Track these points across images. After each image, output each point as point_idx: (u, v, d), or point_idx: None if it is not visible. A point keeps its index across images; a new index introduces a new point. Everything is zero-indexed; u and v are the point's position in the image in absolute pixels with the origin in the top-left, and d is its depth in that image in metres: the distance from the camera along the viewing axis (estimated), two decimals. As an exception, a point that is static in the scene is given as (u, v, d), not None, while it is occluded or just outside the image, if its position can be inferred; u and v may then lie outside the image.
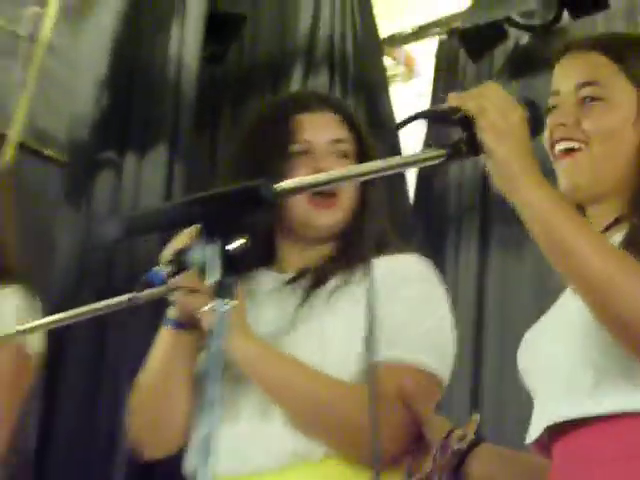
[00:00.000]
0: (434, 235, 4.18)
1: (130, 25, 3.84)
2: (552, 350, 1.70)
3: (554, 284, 1.74)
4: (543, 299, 2.04)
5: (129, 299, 1.86)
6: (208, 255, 1.29)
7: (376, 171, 1.52)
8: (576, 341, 1.65)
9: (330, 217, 1.99)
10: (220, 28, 3.96)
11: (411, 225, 4.23)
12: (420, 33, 4.51)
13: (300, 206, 1.93)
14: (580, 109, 1.72)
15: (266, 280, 2.02)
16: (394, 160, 1.50)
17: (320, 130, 2.00)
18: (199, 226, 1.47)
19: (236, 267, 1.29)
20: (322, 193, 1.94)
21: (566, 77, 1.73)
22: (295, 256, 2.01)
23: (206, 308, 1.43)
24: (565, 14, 3.61)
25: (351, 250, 1.98)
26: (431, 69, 4.47)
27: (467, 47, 3.60)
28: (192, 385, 1.97)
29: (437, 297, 2.00)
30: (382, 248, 1.97)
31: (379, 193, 2.04)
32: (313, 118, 2.02)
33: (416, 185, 4.42)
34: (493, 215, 3.89)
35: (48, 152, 4.16)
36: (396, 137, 4.17)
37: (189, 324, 1.91)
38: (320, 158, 1.98)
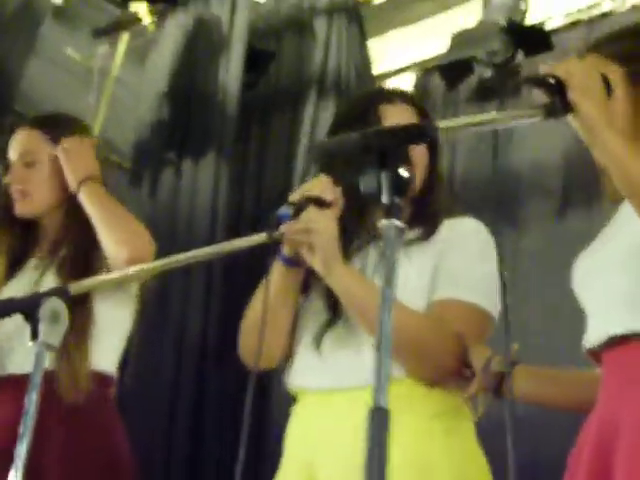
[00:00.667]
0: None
1: (187, 58, 4.54)
2: (611, 268, 1.79)
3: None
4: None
5: (268, 235, 1.95)
6: (382, 178, 1.34)
7: (475, 124, 1.61)
8: (635, 260, 1.74)
9: None
10: (254, 61, 4.65)
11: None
12: (399, 72, 5.22)
13: None
14: None
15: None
16: (498, 114, 1.64)
17: (398, 118, 2.17)
18: (327, 176, 1.94)
19: (405, 191, 1.36)
20: None
21: None
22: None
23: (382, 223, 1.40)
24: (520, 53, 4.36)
25: (424, 213, 2.15)
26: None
27: (444, 79, 4.49)
28: (294, 312, 2.14)
29: (489, 250, 2.14)
30: (448, 212, 2.19)
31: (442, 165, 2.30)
32: (393, 108, 2.21)
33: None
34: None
35: (114, 158, 4.54)
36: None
37: (298, 262, 2.06)
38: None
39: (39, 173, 2.70)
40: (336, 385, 2.08)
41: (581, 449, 1.79)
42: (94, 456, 2.46)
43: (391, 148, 1.35)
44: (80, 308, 2.48)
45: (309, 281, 2.16)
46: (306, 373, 2.16)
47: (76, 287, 1.74)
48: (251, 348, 2.10)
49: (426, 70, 5.17)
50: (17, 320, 2.15)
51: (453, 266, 2.09)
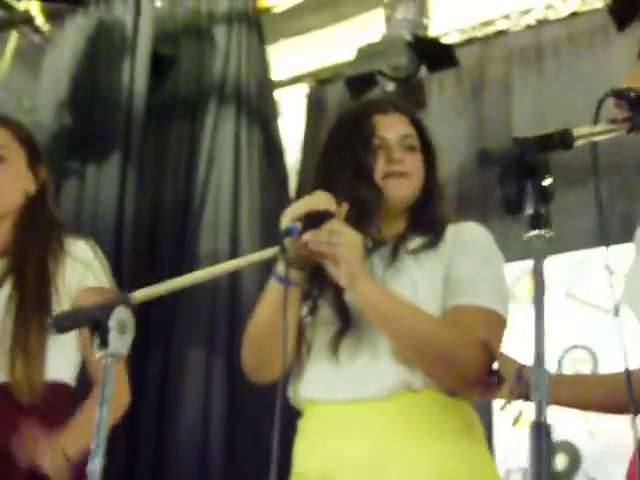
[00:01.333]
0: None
1: (88, 62, 4.44)
2: None
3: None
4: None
5: (278, 251, 1.91)
6: (527, 189, 1.34)
7: (600, 133, 1.60)
8: None
9: (404, 190, 2.14)
10: (155, 67, 4.57)
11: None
12: (292, 81, 5.37)
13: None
14: None
15: None
16: (603, 126, 1.61)
17: (392, 127, 2.18)
18: (328, 194, 1.91)
19: (549, 199, 1.34)
20: (394, 172, 2.12)
21: None
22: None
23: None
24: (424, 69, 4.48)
25: (424, 220, 2.14)
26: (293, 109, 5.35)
27: (350, 90, 4.58)
28: (296, 326, 2.09)
29: (496, 253, 2.15)
30: (448, 218, 2.18)
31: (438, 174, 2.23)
32: (386, 118, 2.20)
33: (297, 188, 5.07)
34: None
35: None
36: (282, 159, 5.05)
37: (293, 281, 2.01)
38: (393, 150, 2.16)
39: (6, 172, 2.64)
40: (354, 396, 2.04)
41: None
42: None
43: (537, 159, 1.36)
44: (39, 317, 2.47)
45: (311, 292, 2.13)
46: (321, 384, 2.10)
47: (140, 296, 1.69)
48: (252, 364, 2.12)
49: (319, 81, 5.31)
50: None
51: (467, 273, 2.07)
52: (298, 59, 5.32)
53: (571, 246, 4.24)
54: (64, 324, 1.67)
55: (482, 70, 4.88)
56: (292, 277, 1.99)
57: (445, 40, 4.80)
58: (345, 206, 1.97)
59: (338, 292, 2.08)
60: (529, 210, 1.33)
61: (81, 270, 2.59)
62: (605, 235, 1.72)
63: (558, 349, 4.20)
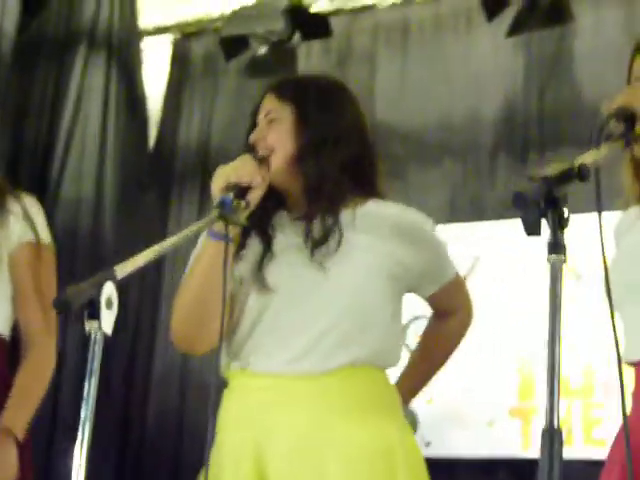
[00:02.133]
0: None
1: None
2: None
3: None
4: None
5: (216, 217, 1.99)
6: (549, 217, 1.48)
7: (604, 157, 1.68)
8: None
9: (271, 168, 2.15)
10: (28, 3, 4.55)
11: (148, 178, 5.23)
12: (157, 31, 5.44)
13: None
14: None
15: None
16: (605, 148, 1.71)
17: (262, 111, 2.24)
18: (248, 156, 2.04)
19: (565, 227, 1.50)
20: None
21: None
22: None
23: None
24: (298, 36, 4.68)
25: (312, 199, 2.16)
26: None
27: (223, 50, 4.72)
28: (230, 292, 2.08)
29: (434, 228, 2.30)
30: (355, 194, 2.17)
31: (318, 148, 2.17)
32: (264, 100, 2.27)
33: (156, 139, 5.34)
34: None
35: None
36: (145, 108, 5.15)
37: (232, 238, 2.04)
38: (259, 128, 2.22)
39: None
40: (290, 370, 2.10)
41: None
42: None
43: (559, 193, 1.49)
44: None
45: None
46: (259, 355, 2.13)
47: (121, 271, 1.76)
48: (185, 334, 2.14)
49: (185, 34, 5.42)
50: None
51: (429, 258, 2.24)
52: (165, 9, 5.42)
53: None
54: (69, 305, 1.71)
55: (349, 41, 5.13)
56: (220, 232, 2.02)
57: (315, 8, 5.00)
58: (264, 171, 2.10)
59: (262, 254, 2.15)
60: (550, 237, 1.48)
61: (21, 225, 2.62)
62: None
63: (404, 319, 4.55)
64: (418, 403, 4.44)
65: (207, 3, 5.29)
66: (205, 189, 4.87)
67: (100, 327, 1.68)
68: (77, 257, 4.43)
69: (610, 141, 1.73)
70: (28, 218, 2.63)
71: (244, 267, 2.14)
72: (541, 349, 4.21)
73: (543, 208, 1.46)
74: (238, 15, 4.65)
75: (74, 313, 1.70)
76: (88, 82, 4.80)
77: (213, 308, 1.97)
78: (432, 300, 2.30)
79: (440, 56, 5.04)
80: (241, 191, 2.04)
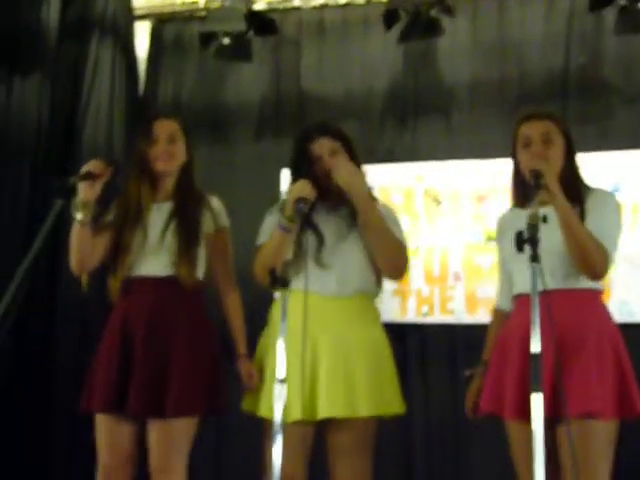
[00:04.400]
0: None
1: None
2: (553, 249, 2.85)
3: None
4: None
5: (296, 219, 2.94)
6: (531, 244, 2.32)
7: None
8: None
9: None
10: None
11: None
12: (140, 17, 6.44)
13: None
14: None
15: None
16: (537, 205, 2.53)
17: (320, 148, 3.20)
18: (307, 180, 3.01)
19: (536, 247, 2.38)
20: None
21: None
22: None
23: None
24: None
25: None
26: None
27: (200, 41, 6.00)
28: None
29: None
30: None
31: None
32: (316, 144, 3.24)
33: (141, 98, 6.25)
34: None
35: None
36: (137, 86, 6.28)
37: (291, 231, 2.98)
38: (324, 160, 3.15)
39: (182, 148, 3.57)
40: (327, 292, 3.13)
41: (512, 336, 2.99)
42: None
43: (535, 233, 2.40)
44: (197, 235, 3.39)
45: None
46: (300, 280, 3.05)
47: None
48: (262, 276, 3.17)
49: (160, 20, 6.59)
50: (151, 232, 3.27)
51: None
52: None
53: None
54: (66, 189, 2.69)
55: (280, 35, 6.26)
56: (290, 228, 3.05)
57: (256, 7, 6.21)
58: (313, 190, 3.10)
59: (318, 228, 3.17)
60: (530, 252, 2.43)
61: (211, 215, 3.48)
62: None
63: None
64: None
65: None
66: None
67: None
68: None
69: (535, 193, 2.67)
70: (216, 210, 3.56)
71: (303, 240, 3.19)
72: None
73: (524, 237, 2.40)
74: (211, 17, 6.02)
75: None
76: (101, 56, 5.98)
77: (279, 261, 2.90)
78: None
79: (347, 47, 6.05)
80: (304, 202, 3.03)
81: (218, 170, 5.50)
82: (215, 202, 3.54)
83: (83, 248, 3.25)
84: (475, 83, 5.78)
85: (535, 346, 2.42)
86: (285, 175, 5.34)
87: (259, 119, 6.19)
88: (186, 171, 3.50)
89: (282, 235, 3.07)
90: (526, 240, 2.44)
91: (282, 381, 2.63)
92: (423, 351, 5.65)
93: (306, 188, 3.05)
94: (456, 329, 5.60)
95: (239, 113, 6.23)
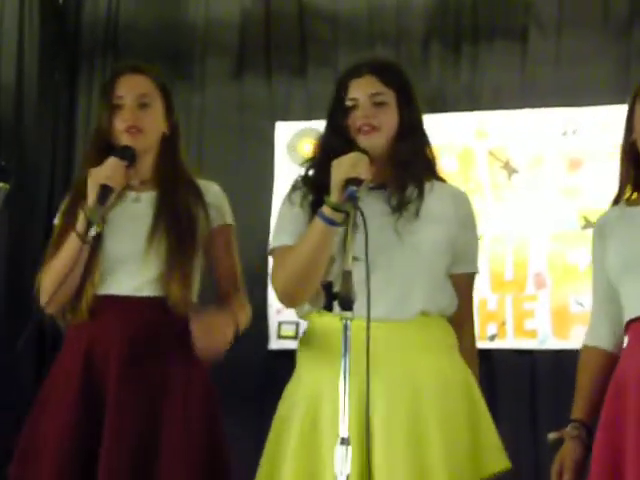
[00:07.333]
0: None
1: None
2: None
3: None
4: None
5: (352, 209, 2.46)
6: None
7: None
8: None
9: (372, 141, 2.65)
10: None
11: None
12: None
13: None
14: None
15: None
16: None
17: (362, 90, 2.69)
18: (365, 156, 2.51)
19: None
20: (363, 127, 2.66)
21: None
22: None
23: None
24: None
25: (408, 170, 2.70)
26: None
27: None
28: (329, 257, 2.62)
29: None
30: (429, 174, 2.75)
31: (416, 129, 2.74)
32: (359, 81, 2.70)
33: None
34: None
35: None
36: None
37: (340, 224, 2.53)
38: (363, 107, 2.68)
39: (150, 116, 3.02)
40: (383, 317, 2.57)
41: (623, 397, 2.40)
42: None
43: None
44: (192, 244, 2.96)
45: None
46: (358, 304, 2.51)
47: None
48: (289, 292, 2.66)
49: None
50: (124, 246, 2.88)
51: (471, 242, 2.81)
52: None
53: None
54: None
55: None
56: (338, 220, 2.54)
57: None
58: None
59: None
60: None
61: (213, 211, 3.01)
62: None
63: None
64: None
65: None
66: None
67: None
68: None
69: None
70: (219, 205, 3.08)
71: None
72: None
73: None
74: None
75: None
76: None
77: (320, 270, 2.56)
78: (453, 279, 2.77)
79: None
80: (358, 183, 2.50)
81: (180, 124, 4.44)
82: (213, 191, 3.10)
83: (75, 272, 2.84)
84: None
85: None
86: (283, 131, 5.14)
87: (240, 47, 5.38)
88: (169, 147, 3.08)
89: (326, 231, 2.59)
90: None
91: (345, 441, 2.27)
92: (491, 388, 4.68)
93: (360, 162, 2.54)
94: (538, 359, 4.93)
95: (210, 38, 5.42)
